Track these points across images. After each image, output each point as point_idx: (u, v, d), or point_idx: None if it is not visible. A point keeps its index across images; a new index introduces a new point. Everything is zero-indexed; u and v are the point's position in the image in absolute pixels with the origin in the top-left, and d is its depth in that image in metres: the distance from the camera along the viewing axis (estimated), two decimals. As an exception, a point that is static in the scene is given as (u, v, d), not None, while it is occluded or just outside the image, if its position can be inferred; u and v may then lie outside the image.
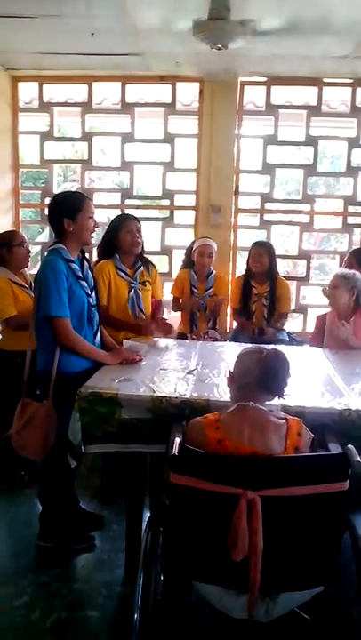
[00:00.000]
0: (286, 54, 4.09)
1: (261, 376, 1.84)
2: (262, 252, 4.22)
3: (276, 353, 1.87)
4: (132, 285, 3.29)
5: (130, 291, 3.28)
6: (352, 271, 3.37)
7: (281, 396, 1.90)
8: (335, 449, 1.87)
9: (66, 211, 2.60)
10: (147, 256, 3.53)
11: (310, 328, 4.64)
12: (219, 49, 3.46)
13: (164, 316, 3.80)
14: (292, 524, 1.66)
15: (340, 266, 4.63)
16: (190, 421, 1.91)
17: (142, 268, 3.36)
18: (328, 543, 1.69)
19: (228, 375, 1.98)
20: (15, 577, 2.54)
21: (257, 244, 4.35)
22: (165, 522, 1.83)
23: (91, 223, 2.66)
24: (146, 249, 3.56)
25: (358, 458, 1.65)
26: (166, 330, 3.39)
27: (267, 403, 1.88)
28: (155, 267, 3.54)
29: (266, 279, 4.25)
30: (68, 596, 2.42)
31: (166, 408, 2.23)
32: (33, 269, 3.60)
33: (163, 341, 3.29)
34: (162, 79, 4.79)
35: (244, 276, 4.36)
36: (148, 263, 3.45)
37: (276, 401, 1.93)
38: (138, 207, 5.05)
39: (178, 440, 1.81)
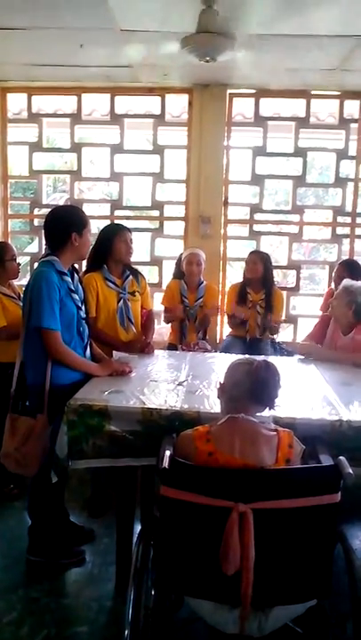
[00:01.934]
0: (275, 67, 4.13)
1: (252, 387, 1.83)
2: (257, 260, 4.29)
3: (267, 364, 1.87)
4: (121, 296, 3.27)
5: (119, 301, 3.26)
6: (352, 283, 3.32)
7: (272, 407, 1.89)
8: (327, 460, 1.85)
9: (75, 225, 2.61)
10: (136, 267, 3.52)
11: (301, 338, 4.67)
12: (207, 61, 3.48)
13: (155, 326, 3.77)
14: (284, 536, 1.64)
15: (331, 277, 4.65)
16: (181, 434, 1.89)
17: (131, 277, 3.35)
18: (321, 556, 1.68)
19: (218, 387, 1.97)
20: (4, 592, 2.49)
21: (253, 252, 4.45)
22: (156, 535, 1.81)
23: (90, 239, 2.73)
24: (136, 260, 3.55)
25: (350, 469, 1.64)
26: (143, 349, 3.26)
27: (257, 414, 1.87)
28: (143, 277, 3.53)
29: (261, 287, 4.31)
30: (57, 612, 2.38)
31: (156, 420, 2.21)
32: (23, 280, 3.57)
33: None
34: (151, 91, 4.81)
35: (242, 282, 4.42)
36: (137, 273, 3.43)
37: (266, 412, 1.92)
38: (128, 218, 5.06)
39: (168, 453, 1.79)
